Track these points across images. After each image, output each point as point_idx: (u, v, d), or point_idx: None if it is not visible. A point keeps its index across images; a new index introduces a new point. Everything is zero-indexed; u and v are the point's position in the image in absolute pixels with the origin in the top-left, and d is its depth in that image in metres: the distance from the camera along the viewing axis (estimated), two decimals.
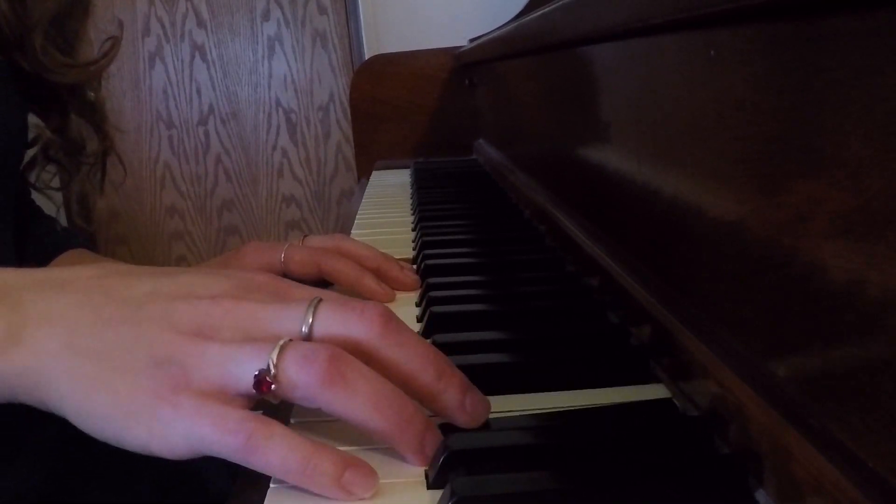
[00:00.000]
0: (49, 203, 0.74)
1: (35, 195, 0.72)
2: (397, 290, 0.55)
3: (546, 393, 0.37)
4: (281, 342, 0.29)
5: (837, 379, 0.25)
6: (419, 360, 0.32)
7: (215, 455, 0.29)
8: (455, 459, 0.29)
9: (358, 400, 0.29)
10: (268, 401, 0.30)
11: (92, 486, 0.56)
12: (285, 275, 0.57)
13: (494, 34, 0.98)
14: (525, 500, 0.27)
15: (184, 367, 0.29)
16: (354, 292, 0.54)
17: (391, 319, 0.32)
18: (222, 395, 0.29)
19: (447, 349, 0.40)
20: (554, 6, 0.56)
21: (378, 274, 0.55)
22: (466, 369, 0.33)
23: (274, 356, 0.29)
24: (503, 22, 1.05)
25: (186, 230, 2.26)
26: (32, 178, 0.69)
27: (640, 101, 0.45)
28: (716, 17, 0.32)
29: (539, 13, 0.63)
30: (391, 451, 0.31)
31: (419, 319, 0.50)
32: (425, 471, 0.30)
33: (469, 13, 1.86)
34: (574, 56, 0.60)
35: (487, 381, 0.35)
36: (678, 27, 0.37)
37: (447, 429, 0.32)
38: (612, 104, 0.52)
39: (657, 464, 0.29)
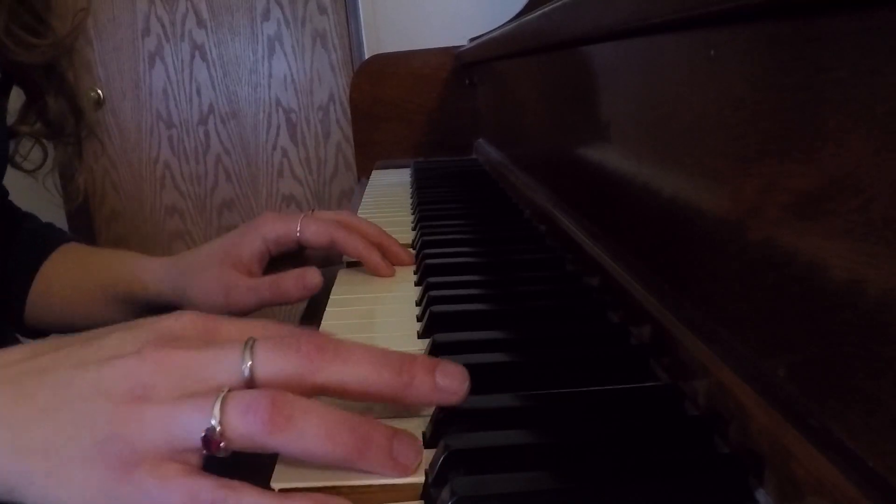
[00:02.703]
0: (33, 180, 0.72)
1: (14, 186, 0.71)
2: (396, 264, 0.62)
3: (546, 392, 0.37)
4: (221, 395, 0.29)
5: (837, 378, 0.25)
6: (371, 367, 0.31)
7: None
8: (455, 459, 0.29)
9: (308, 437, 0.28)
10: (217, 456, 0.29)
11: None
12: (300, 244, 0.60)
13: (494, 34, 0.98)
14: (525, 500, 0.27)
15: (127, 439, 0.28)
16: (363, 263, 0.60)
17: (328, 343, 0.31)
18: (176, 458, 0.29)
19: (447, 349, 0.41)
20: (554, 6, 0.56)
21: (380, 248, 0.61)
22: (466, 369, 0.33)
23: (216, 412, 0.28)
24: (503, 21, 1.05)
25: (186, 230, 2.26)
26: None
27: (640, 100, 0.45)
28: (716, 17, 0.32)
29: (539, 12, 0.63)
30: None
31: (419, 319, 0.50)
32: (425, 470, 0.30)
33: (469, 13, 1.86)
34: (574, 56, 0.60)
35: (487, 380, 0.35)
36: (678, 27, 0.37)
37: (445, 427, 0.32)
38: (612, 104, 0.52)
39: (657, 463, 0.29)
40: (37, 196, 0.76)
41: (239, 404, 0.28)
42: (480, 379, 0.33)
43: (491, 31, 1.06)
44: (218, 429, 0.28)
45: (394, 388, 0.31)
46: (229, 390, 0.29)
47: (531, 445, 0.31)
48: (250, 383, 0.30)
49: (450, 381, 0.32)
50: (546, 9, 0.59)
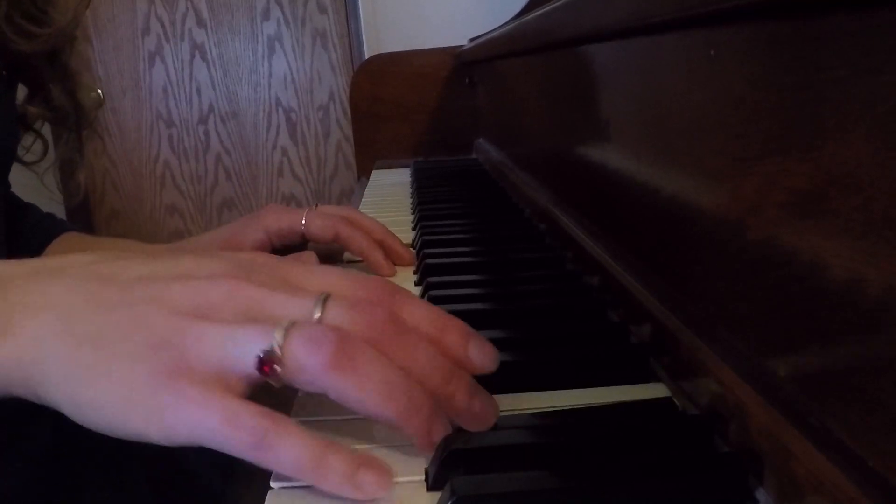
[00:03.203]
0: (34, 177, 0.72)
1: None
2: (397, 263, 0.62)
3: (546, 392, 0.37)
4: (286, 323, 0.28)
5: (837, 377, 0.25)
6: (427, 364, 0.31)
7: (218, 448, 0.28)
8: (455, 459, 0.29)
9: (367, 385, 0.28)
10: (270, 385, 0.28)
11: (85, 486, 0.56)
12: (304, 238, 0.60)
13: (495, 33, 0.98)
14: (525, 500, 0.27)
15: (181, 349, 0.28)
16: (365, 261, 0.60)
17: (400, 324, 0.31)
18: (223, 380, 0.28)
19: None
20: (554, 5, 0.56)
21: (382, 246, 0.61)
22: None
23: (279, 336, 0.28)
24: (503, 21, 1.05)
25: (186, 229, 2.26)
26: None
27: (641, 100, 0.45)
28: (716, 17, 0.32)
29: (539, 12, 0.63)
30: (390, 451, 0.31)
31: None
32: (425, 469, 0.30)
33: (469, 12, 1.86)
34: (574, 55, 0.60)
35: (487, 380, 0.35)
36: (678, 26, 0.37)
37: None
38: (612, 103, 0.52)
39: (657, 463, 0.29)
40: (37, 193, 0.76)
41: (304, 334, 0.28)
42: (480, 378, 0.33)
43: (491, 31, 1.06)
44: (278, 353, 0.27)
45: (437, 393, 0.30)
46: (294, 322, 0.28)
47: (531, 445, 0.31)
48: None
49: (483, 412, 0.31)
50: (546, 9, 0.59)
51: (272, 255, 0.33)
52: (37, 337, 0.29)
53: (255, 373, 0.28)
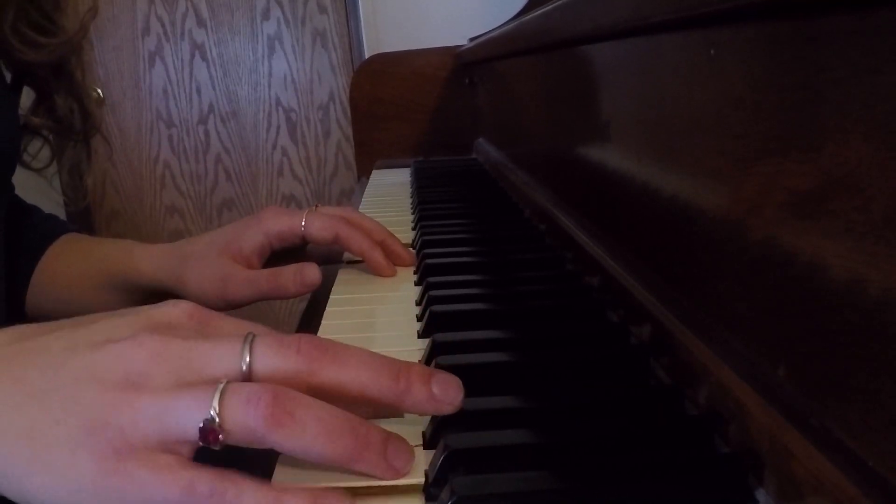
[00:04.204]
0: (40, 179, 0.73)
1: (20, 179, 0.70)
2: (398, 264, 0.61)
3: (546, 392, 0.37)
4: (220, 386, 0.28)
5: (837, 378, 0.25)
6: (369, 372, 0.31)
7: None
8: (455, 459, 0.29)
9: (308, 434, 0.28)
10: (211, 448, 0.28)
11: None
12: (304, 239, 0.60)
13: (495, 33, 0.98)
14: (525, 500, 0.27)
15: (118, 427, 0.27)
16: (365, 262, 0.60)
17: (328, 345, 0.31)
18: (167, 450, 0.28)
19: (447, 349, 0.41)
20: (554, 5, 0.56)
21: (383, 247, 0.61)
22: (466, 369, 0.33)
23: (216, 404, 0.27)
24: (503, 21, 1.05)
25: (186, 229, 2.26)
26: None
27: (640, 100, 0.45)
28: (716, 17, 0.32)
29: (539, 12, 0.63)
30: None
31: (419, 319, 0.50)
32: (425, 470, 0.30)
33: (469, 12, 1.86)
34: (574, 55, 0.60)
35: (487, 380, 0.35)
36: (678, 26, 0.37)
37: (445, 427, 0.32)
38: (612, 103, 0.52)
39: (657, 463, 0.29)
40: (39, 195, 0.76)
41: (240, 396, 0.28)
42: (480, 378, 0.33)
43: (491, 31, 1.06)
44: (217, 420, 0.27)
45: (391, 394, 0.31)
46: (228, 382, 0.28)
47: (531, 445, 0.31)
48: (248, 379, 0.29)
49: (445, 392, 0.31)
50: (546, 8, 0.59)
51: (191, 302, 0.33)
52: None
53: (199, 442, 0.28)
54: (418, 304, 0.53)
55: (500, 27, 0.98)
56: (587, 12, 0.48)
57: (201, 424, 0.27)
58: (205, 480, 0.27)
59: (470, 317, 0.47)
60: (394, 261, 0.61)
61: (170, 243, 0.63)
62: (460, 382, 0.32)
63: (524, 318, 0.47)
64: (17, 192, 0.71)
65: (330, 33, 2.15)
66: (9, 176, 0.63)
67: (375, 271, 0.60)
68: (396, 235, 0.63)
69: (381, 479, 0.30)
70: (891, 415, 0.22)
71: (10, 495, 0.28)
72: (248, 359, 0.30)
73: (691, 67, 0.36)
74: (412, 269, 0.62)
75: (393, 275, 0.60)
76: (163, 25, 2.16)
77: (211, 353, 0.30)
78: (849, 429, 0.24)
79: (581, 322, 0.47)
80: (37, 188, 0.76)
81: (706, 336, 0.34)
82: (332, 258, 0.65)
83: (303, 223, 0.59)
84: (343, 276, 0.61)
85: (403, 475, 0.30)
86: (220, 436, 0.28)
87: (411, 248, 0.66)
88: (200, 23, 2.16)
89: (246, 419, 0.28)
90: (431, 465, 0.30)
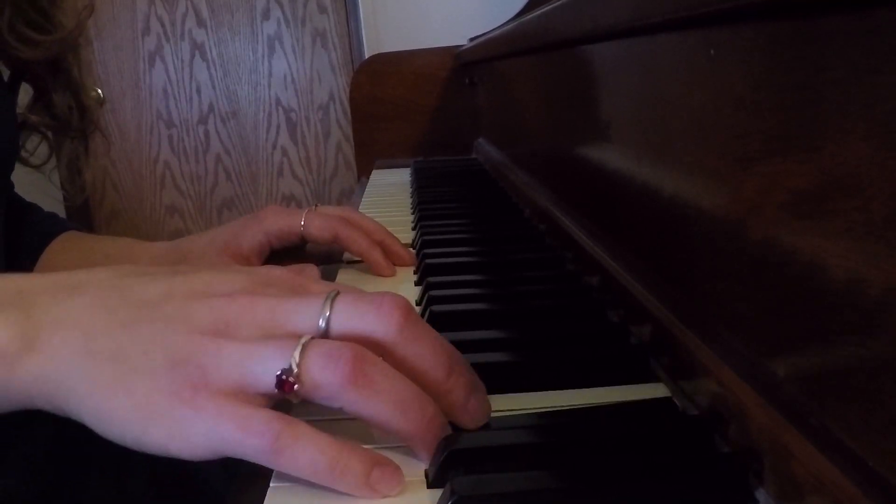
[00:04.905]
0: (39, 177, 0.73)
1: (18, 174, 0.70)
2: (397, 264, 0.61)
3: (546, 392, 0.37)
4: (303, 340, 0.29)
5: (837, 378, 0.25)
6: (433, 357, 0.31)
7: (237, 456, 0.28)
8: (455, 459, 0.29)
9: (382, 400, 0.29)
10: (288, 400, 0.29)
11: (87, 486, 0.56)
12: (303, 239, 0.60)
13: (495, 33, 0.98)
14: (525, 500, 0.27)
15: (202, 367, 0.29)
16: (365, 261, 0.60)
17: (408, 313, 0.31)
18: (242, 395, 0.29)
19: None
20: (554, 5, 0.56)
21: (382, 247, 0.61)
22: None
23: (297, 355, 0.28)
24: (503, 21, 1.05)
25: (186, 229, 2.26)
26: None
27: (640, 99, 0.45)
28: (715, 17, 0.32)
29: (539, 12, 0.63)
30: (389, 451, 0.31)
31: None
32: (425, 470, 0.30)
33: (469, 12, 1.86)
34: (574, 55, 0.60)
35: (487, 380, 0.35)
36: (678, 26, 0.37)
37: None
38: (612, 103, 0.52)
39: (657, 463, 0.29)
40: (38, 191, 0.76)
41: (321, 352, 0.29)
42: (480, 378, 0.33)
43: (491, 31, 1.06)
44: (295, 371, 0.28)
45: (438, 386, 0.31)
46: (311, 338, 0.29)
47: (531, 445, 0.31)
48: (325, 335, 0.30)
49: (476, 410, 0.32)
50: (546, 8, 0.59)
51: (279, 267, 0.35)
52: (60, 354, 0.30)
53: (275, 390, 0.29)
54: (418, 304, 0.53)
55: (500, 27, 0.98)
56: (587, 12, 0.48)
57: (279, 373, 0.28)
58: (262, 419, 0.28)
59: (470, 317, 0.47)
60: (393, 261, 0.61)
61: (170, 241, 0.64)
62: (490, 412, 0.33)
63: (524, 318, 0.47)
64: (17, 189, 0.71)
65: (330, 33, 2.15)
66: (8, 174, 0.63)
67: (375, 271, 0.60)
68: (396, 235, 0.63)
69: (422, 460, 0.30)
70: (891, 415, 0.22)
71: (86, 416, 0.29)
72: (327, 314, 0.30)
73: (691, 67, 0.36)
74: (412, 269, 0.62)
75: (393, 275, 0.60)
76: (163, 25, 2.16)
77: (295, 309, 0.31)
78: (849, 429, 0.24)
79: (581, 322, 0.47)
80: (36, 186, 0.76)
81: (706, 335, 0.34)
82: (332, 258, 0.65)
83: (302, 222, 0.60)
84: (343, 276, 0.61)
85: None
86: (296, 386, 0.28)
87: (411, 248, 0.66)
88: (200, 23, 2.16)
89: (324, 374, 0.28)
90: (431, 464, 0.30)
